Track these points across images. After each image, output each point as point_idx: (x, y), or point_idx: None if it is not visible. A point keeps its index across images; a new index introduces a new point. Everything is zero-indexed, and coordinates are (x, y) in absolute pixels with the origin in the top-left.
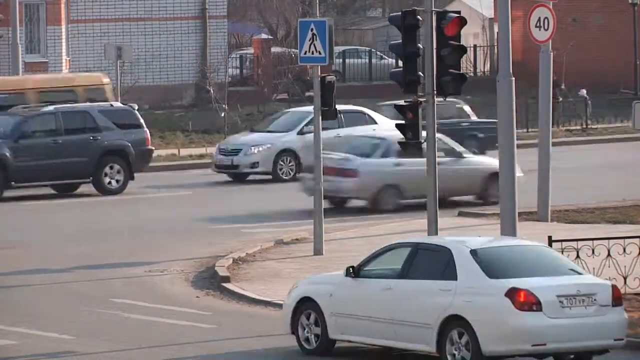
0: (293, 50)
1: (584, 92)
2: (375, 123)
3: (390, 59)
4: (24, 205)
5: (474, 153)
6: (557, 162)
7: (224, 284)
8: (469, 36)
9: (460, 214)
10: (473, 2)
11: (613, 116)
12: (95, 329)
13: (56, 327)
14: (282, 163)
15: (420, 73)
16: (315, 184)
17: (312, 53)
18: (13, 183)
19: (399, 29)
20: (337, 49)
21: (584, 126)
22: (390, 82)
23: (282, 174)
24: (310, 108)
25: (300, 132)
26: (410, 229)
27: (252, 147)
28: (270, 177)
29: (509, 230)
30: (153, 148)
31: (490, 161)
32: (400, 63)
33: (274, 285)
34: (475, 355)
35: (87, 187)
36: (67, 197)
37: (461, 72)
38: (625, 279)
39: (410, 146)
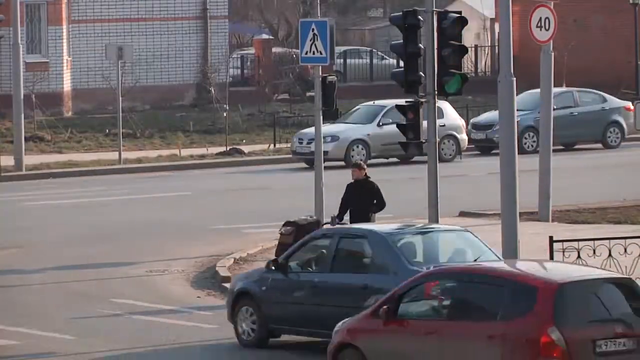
0: (294, 50)
1: None
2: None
3: (391, 59)
4: (23, 206)
5: None
6: (557, 162)
7: (225, 284)
8: (470, 35)
9: (461, 214)
10: (474, 2)
11: None
12: (95, 329)
13: (57, 327)
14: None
15: (421, 73)
16: (316, 181)
17: (313, 53)
18: None
19: (400, 29)
20: (338, 49)
21: None
22: (391, 82)
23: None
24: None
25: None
26: None
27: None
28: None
29: (509, 230)
30: None
31: None
32: (402, 63)
33: None
34: None
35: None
36: (68, 197)
37: (462, 72)
38: None
39: (411, 146)
